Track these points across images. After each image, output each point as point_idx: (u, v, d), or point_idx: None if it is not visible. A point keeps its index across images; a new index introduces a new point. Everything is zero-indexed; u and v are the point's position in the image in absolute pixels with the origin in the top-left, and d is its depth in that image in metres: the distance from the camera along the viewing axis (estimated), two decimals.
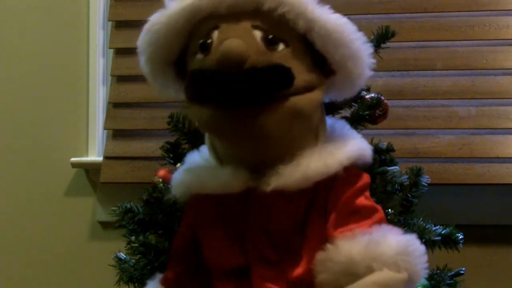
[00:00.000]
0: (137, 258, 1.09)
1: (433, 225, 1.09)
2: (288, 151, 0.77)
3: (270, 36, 0.73)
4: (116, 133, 1.61)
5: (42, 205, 1.65)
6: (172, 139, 1.14)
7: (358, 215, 0.78)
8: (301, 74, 0.74)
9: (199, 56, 0.75)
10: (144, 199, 1.07)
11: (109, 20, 1.65)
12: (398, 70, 1.49)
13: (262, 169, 0.77)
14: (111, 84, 1.63)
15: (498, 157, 1.45)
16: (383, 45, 1.12)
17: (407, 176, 1.12)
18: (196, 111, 0.76)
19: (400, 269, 0.72)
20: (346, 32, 0.76)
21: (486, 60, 1.48)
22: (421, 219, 1.10)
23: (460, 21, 1.51)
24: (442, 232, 1.09)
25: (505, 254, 1.49)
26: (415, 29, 1.51)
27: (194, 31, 0.77)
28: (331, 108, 1.02)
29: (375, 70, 0.83)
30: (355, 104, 1.09)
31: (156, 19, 0.79)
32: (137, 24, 1.62)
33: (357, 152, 0.80)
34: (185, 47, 0.79)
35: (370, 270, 0.72)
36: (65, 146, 1.65)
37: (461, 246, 1.11)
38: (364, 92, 1.10)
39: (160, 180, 1.08)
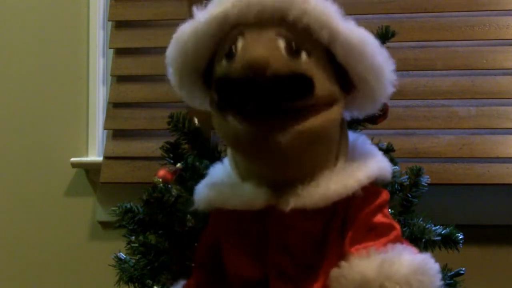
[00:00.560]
0: (137, 258, 1.09)
1: (433, 225, 1.09)
2: (308, 170, 0.78)
3: (294, 46, 0.74)
4: (116, 133, 1.61)
5: (42, 205, 1.66)
6: (172, 139, 1.14)
7: (375, 233, 0.79)
8: (323, 84, 0.75)
9: (224, 63, 0.76)
10: (144, 199, 1.07)
11: (109, 20, 1.65)
12: (398, 70, 1.47)
13: (282, 187, 0.79)
14: (111, 84, 1.63)
15: (498, 157, 1.45)
16: (383, 45, 1.12)
17: (407, 176, 1.12)
18: (222, 125, 0.77)
19: None
20: (369, 46, 0.77)
21: (486, 60, 1.48)
22: (421, 219, 1.10)
23: (460, 21, 1.51)
24: (442, 232, 1.09)
25: (505, 254, 1.50)
26: (415, 29, 1.51)
27: (221, 41, 0.78)
28: None
29: None
30: None
31: (185, 30, 0.80)
32: (137, 24, 1.63)
33: (377, 172, 0.81)
34: (213, 57, 0.80)
35: None
36: (65, 146, 1.65)
37: (461, 246, 1.11)
38: None
39: (160, 180, 1.08)
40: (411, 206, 1.11)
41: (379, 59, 0.78)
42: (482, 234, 1.48)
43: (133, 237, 1.09)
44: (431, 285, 0.75)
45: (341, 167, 0.80)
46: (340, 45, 0.75)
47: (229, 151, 0.87)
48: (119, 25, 1.64)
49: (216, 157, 1.12)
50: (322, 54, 0.76)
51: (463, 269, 1.14)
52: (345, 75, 0.77)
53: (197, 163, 1.09)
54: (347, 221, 0.79)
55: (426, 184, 1.13)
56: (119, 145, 1.59)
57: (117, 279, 1.11)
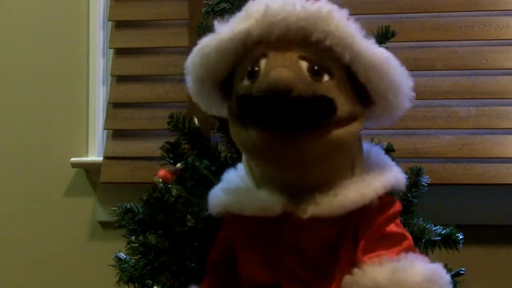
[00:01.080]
0: (137, 258, 1.09)
1: (433, 225, 1.09)
2: (327, 179, 0.79)
3: (316, 67, 0.75)
4: (116, 133, 1.61)
5: (42, 205, 1.65)
6: (172, 139, 1.14)
7: (387, 242, 0.80)
8: (344, 105, 0.76)
9: (246, 82, 0.77)
10: (144, 199, 1.07)
11: (109, 20, 1.65)
12: None
13: (298, 194, 0.80)
14: (111, 84, 1.63)
15: (498, 157, 1.45)
16: (383, 45, 1.12)
17: (407, 176, 1.12)
18: (241, 134, 0.79)
19: None
20: (390, 66, 0.78)
21: (486, 60, 1.48)
22: (421, 219, 1.10)
23: (460, 21, 1.51)
24: (442, 232, 1.09)
25: (505, 254, 1.49)
26: (415, 29, 1.51)
27: (243, 56, 0.79)
28: None
29: None
30: None
31: (207, 42, 0.81)
32: (137, 24, 1.63)
33: (393, 182, 0.82)
34: (233, 69, 0.81)
35: None
36: (65, 146, 1.65)
37: (461, 246, 1.11)
38: None
39: (160, 180, 1.08)
40: (411, 206, 1.11)
41: (398, 78, 0.79)
42: (482, 234, 1.48)
43: (133, 237, 1.09)
44: None
45: (358, 176, 0.81)
46: (362, 65, 0.76)
47: (244, 158, 0.88)
48: (119, 25, 1.64)
49: (216, 157, 1.12)
50: (343, 73, 0.77)
51: (463, 269, 1.14)
52: (364, 90, 0.78)
53: (197, 163, 1.09)
54: (360, 229, 0.80)
55: (426, 184, 1.13)
56: (119, 145, 1.58)
57: (117, 279, 1.11)
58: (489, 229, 1.49)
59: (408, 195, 1.10)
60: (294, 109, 0.72)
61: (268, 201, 0.80)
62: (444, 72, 1.50)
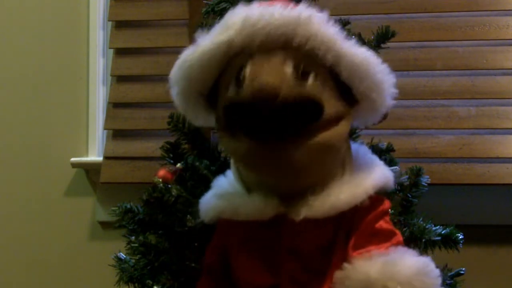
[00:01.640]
0: (137, 258, 1.09)
1: (433, 225, 1.09)
2: (318, 182, 0.80)
3: (300, 70, 0.76)
4: (116, 133, 1.61)
5: (42, 205, 1.66)
6: (172, 139, 1.14)
7: (377, 238, 0.81)
8: (330, 106, 0.77)
9: (232, 89, 0.77)
10: (144, 199, 1.07)
11: (109, 20, 1.65)
12: (398, 70, 1.48)
13: (291, 196, 0.81)
14: (111, 84, 1.63)
15: (498, 157, 1.45)
16: (383, 45, 1.12)
17: (407, 176, 1.12)
18: (230, 143, 0.80)
19: None
20: (372, 65, 0.79)
21: (486, 60, 1.48)
22: (421, 219, 1.10)
23: (460, 21, 1.51)
24: (442, 232, 1.09)
25: (505, 254, 1.49)
26: (415, 29, 1.51)
27: (226, 66, 0.80)
28: None
29: None
30: None
31: (189, 54, 0.82)
32: (137, 24, 1.63)
33: (382, 181, 0.84)
34: (217, 79, 0.81)
35: None
36: (65, 146, 1.65)
37: (461, 246, 1.11)
38: None
39: (160, 180, 1.08)
40: (411, 206, 1.11)
41: (380, 76, 0.80)
42: (482, 234, 1.48)
43: (133, 237, 1.09)
44: (433, 287, 0.76)
45: (348, 176, 0.82)
46: (344, 66, 0.77)
47: (232, 163, 0.88)
48: (119, 25, 1.64)
49: (216, 157, 1.12)
50: (327, 74, 0.78)
51: (463, 269, 1.14)
52: (348, 90, 0.79)
53: (197, 163, 1.09)
54: (352, 228, 0.81)
55: (426, 184, 1.13)
56: (119, 145, 1.58)
57: (117, 279, 1.11)
58: (489, 229, 1.49)
59: (408, 195, 1.10)
60: (281, 113, 0.73)
61: (260, 205, 0.81)
62: (444, 72, 1.50)
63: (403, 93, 1.49)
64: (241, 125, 0.76)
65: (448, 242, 1.09)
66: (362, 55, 0.78)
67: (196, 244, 1.06)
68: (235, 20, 0.77)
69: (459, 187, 1.46)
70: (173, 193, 1.06)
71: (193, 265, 1.04)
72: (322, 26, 0.77)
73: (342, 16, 1.10)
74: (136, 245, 1.08)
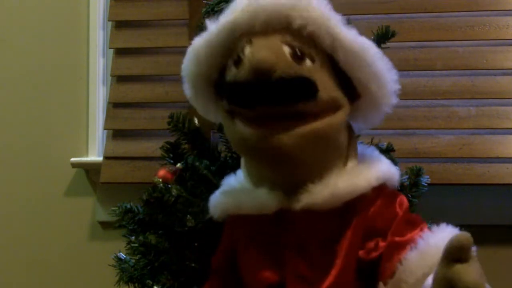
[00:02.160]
0: (137, 258, 1.09)
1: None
2: (317, 173, 0.80)
3: (298, 52, 0.77)
4: (116, 133, 1.61)
5: (42, 205, 1.66)
6: (172, 139, 1.14)
7: (411, 225, 0.82)
8: (326, 88, 0.78)
9: (233, 69, 0.79)
10: (144, 199, 1.07)
11: (109, 20, 1.65)
12: (398, 70, 1.48)
13: (294, 190, 0.81)
14: (111, 84, 1.63)
15: (498, 157, 1.44)
16: (383, 45, 1.12)
17: (407, 176, 1.12)
18: (230, 128, 0.81)
19: None
20: (371, 53, 0.80)
21: (486, 60, 1.48)
22: None
23: (460, 21, 1.51)
24: None
25: (505, 254, 1.49)
26: (415, 29, 1.51)
27: (230, 51, 0.81)
28: None
29: None
30: None
31: (198, 40, 0.84)
32: (137, 24, 1.63)
33: (386, 173, 0.84)
34: (224, 68, 0.83)
35: None
36: (65, 146, 1.65)
37: None
38: None
39: (160, 180, 1.08)
40: (411, 206, 1.11)
41: (380, 66, 0.81)
42: (482, 234, 1.47)
43: (133, 237, 1.09)
44: None
45: (350, 167, 0.82)
46: (342, 52, 0.78)
47: (242, 160, 0.90)
48: (119, 25, 1.64)
49: (216, 157, 1.12)
50: (325, 61, 0.79)
51: None
52: (349, 83, 0.80)
53: (197, 163, 1.09)
54: (377, 224, 0.81)
55: (426, 184, 1.13)
56: (119, 145, 1.58)
57: (117, 279, 1.11)
58: (489, 229, 1.48)
59: (408, 195, 1.10)
60: (276, 90, 0.74)
61: (264, 199, 0.82)
62: (444, 72, 1.50)
63: (403, 93, 1.48)
64: (239, 105, 0.77)
65: None
66: (361, 42, 0.79)
67: (196, 244, 1.06)
68: (242, 1, 0.80)
69: (459, 187, 1.46)
70: (173, 193, 1.06)
71: (193, 265, 1.04)
72: (323, 11, 0.78)
73: (342, 16, 1.10)
74: (136, 245, 1.08)
